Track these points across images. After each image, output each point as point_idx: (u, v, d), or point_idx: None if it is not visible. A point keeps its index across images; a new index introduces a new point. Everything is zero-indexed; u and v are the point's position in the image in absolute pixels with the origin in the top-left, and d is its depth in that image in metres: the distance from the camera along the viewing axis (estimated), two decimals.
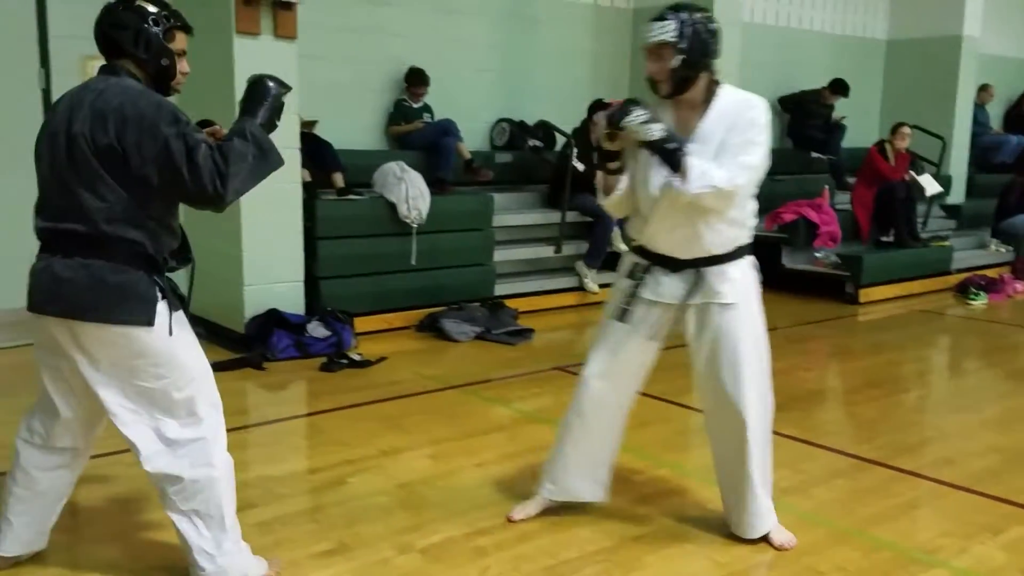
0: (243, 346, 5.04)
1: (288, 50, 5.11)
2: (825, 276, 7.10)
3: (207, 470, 2.39)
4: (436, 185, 6.21)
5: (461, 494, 3.18)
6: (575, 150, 6.69)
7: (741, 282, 2.67)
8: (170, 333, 2.31)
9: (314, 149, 5.70)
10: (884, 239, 7.33)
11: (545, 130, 7.22)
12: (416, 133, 6.58)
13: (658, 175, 2.58)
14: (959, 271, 7.81)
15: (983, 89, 10.39)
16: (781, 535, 2.80)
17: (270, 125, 2.38)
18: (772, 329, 6.31)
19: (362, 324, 5.52)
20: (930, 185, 7.63)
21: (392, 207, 5.71)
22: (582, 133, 6.87)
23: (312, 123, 5.86)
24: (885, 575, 2.63)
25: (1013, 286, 7.56)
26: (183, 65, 2.41)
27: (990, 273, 7.78)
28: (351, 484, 3.28)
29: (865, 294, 6.84)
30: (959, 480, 3.34)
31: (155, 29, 2.32)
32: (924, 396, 4.85)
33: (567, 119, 7.08)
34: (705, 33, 2.54)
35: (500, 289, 6.38)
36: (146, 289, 2.29)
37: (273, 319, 5.06)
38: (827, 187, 7.72)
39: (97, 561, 2.67)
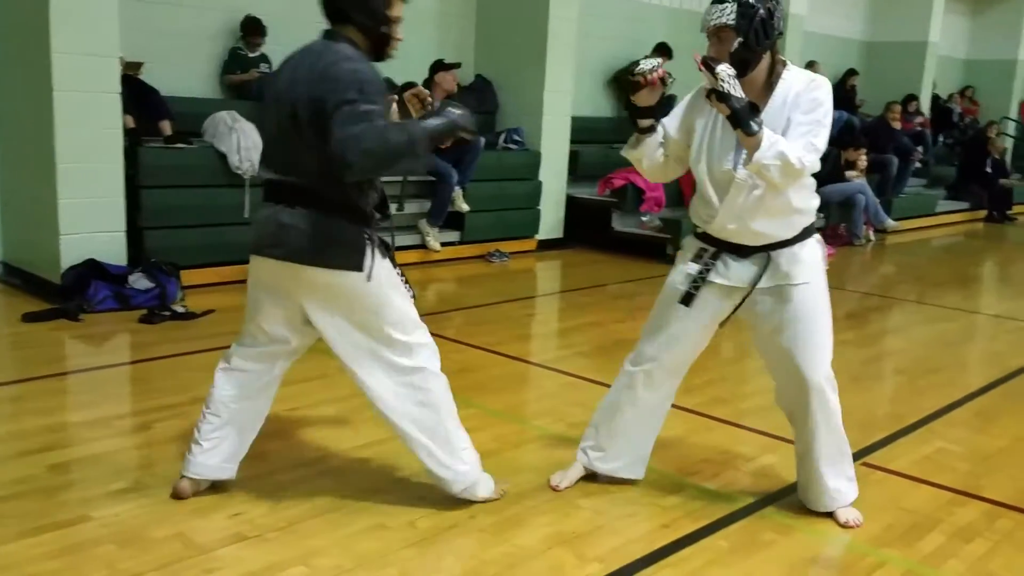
0: (60, 297, 4.91)
1: None
2: (649, 239, 7.52)
3: (426, 395, 2.66)
4: None
5: (269, 437, 3.24)
6: None
7: (809, 262, 2.68)
8: (368, 278, 2.52)
9: (139, 94, 5.54)
10: None
11: (389, 88, 7.23)
12: (254, 83, 6.48)
13: (728, 155, 2.58)
14: None
15: (810, 66, 11.10)
16: (849, 512, 2.82)
17: (433, 140, 2.50)
18: (600, 286, 6.69)
19: (193, 277, 5.46)
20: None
21: (223, 158, 5.64)
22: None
23: (137, 65, 5.68)
24: (650, 496, 2.94)
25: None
26: (398, 32, 2.57)
27: None
28: (157, 429, 3.33)
29: None
30: (727, 416, 3.72)
31: None
32: (721, 345, 5.27)
33: (411, 79, 7.12)
34: (765, 14, 2.50)
35: None
36: (356, 238, 2.52)
37: (91, 269, 4.94)
38: None
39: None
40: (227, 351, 2.81)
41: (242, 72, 6.50)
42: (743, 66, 2.52)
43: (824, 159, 8.27)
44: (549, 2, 7.54)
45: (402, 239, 6.91)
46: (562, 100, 7.85)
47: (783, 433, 3.51)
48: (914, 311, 6.38)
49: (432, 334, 5.11)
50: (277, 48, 6.64)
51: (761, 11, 2.50)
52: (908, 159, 10.64)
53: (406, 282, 2.71)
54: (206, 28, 6.47)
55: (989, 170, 11.89)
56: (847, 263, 8.26)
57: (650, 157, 2.78)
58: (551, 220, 7.89)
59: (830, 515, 2.83)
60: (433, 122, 2.48)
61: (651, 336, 2.86)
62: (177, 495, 2.74)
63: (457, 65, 7.10)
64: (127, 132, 5.29)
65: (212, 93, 6.59)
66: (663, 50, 9.00)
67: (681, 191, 8.01)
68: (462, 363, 4.39)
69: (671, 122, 2.77)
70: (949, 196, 11.94)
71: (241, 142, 5.63)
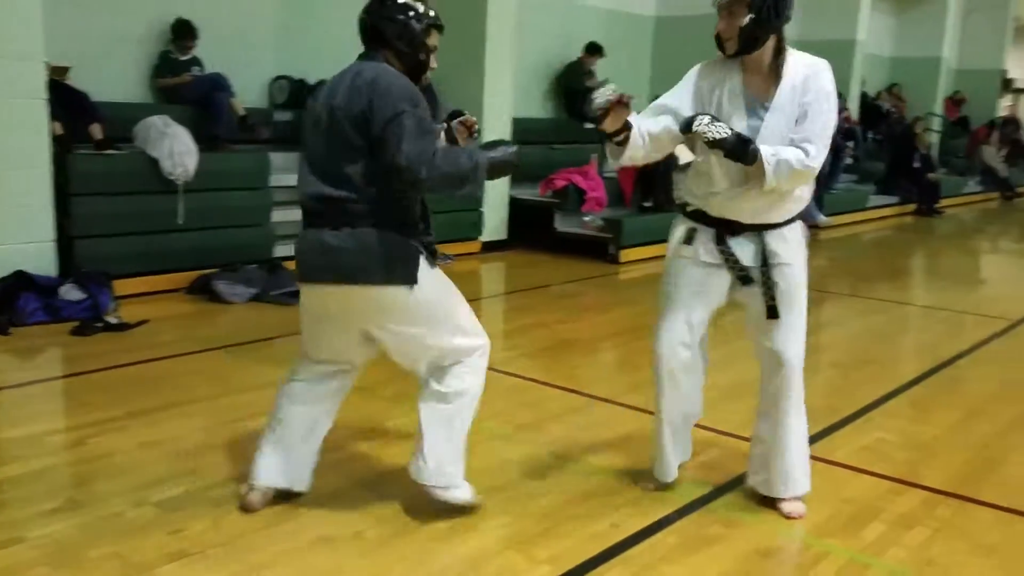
0: None
1: None
2: (592, 238, 7.56)
3: (462, 398, 2.69)
4: (210, 142, 6.05)
5: (210, 450, 3.20)
6: None
7: (795, 241, 2.76)
8: (433, 282, 2.57)
9: (67, 99, 5.37)
10: (645, 204, 7.89)
11: None
12: (185, 87, 6.34)
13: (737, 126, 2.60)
14: None
15: None
16: (794, 505, 2.86)
17: (494, 171, 2.57)
18: (544, 287, 6.72)
19: (126, 287, 5.32)
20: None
21: (155, 163, 5.50)
22: None
23: (63, 70, 5.50)
24: (599, 495, 2.95)
25: None
26: (433, 61, 2.64)
27: None
28: (91, 445, 3.22)
29: (625, 254, 7.37)
30: None
31: (418, 26, 2.56)
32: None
33: None
34: None
35: (282, 251, 6.31)
36: (408, 251, 2.52)
37: (20, 281, 4.78)
38: (595, 156, 8.19)
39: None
40: (293, 364, 2.81)
41: (173, 76, 6.35)
42: (752, 42, 2.58)
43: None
44: (487, 2, 7.53)
45: None
46: (502, 101, 7.85)
47: (725, 428, 3.58)
48: (848, 304, 6.53)
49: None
50: (209, 51, 6.51)
51: None
52: (839, 155, 10.91)
53: None
54: (135, 31, 6.32)
55: (917, 165, 12.26)
56: None
57: (633, 154, 2.76)
58: (494, 221, 7.88)
59: (773, 506, 2.87)
60: (495, 154, 2.55)
61: (670, 317, 2.83)
62: (246, 508, 2.72)
63: None
64: (56, 139, 5.12)
65: (143, 98, 6.43)
66: (594, 50, 9.12)
67: (621, 191, 8.09)
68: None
69: (678, 100, 2.75)
70: (879, 191, 12.28)
71: (174, 147, 5.50)
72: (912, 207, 12.23)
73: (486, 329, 2.78)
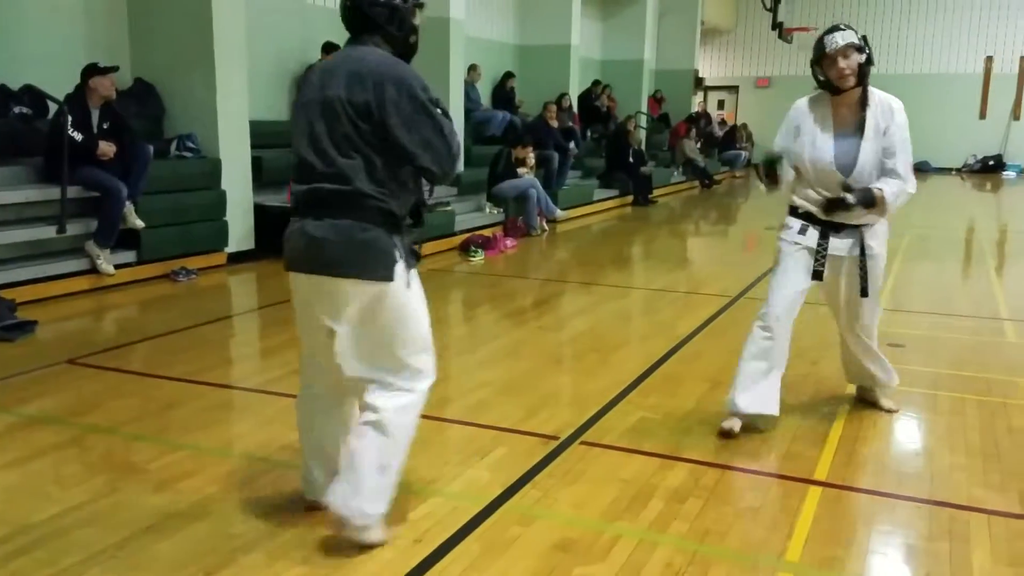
0: None
1: None
2: None
3: (406, 426, 2.64)
4: None
5: None
6: (70, 118, 6.06)
7: (883, 235, 3.64)
8: (408, 286, 2.56)
9: None
10: None
11: (33, 95, 6.42)
12: None
13: (828, 155, 3.45)
14: (461, 232, 8.79)
15: (472, 69, 11.68)
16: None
17: None
18: (286, 302, 6.43)
19: None
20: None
21: None
22: (77, 99, 6.24)
23: None
24: (397, 512, 2.85)
25: (504, 242, 8.74)
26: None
27: (486, 232, 8.89)
28: None
29: None
30: (455, 415, 3.81)
31: (405, 6, 2.55)
32: (444, 344, 5.38)
33: (59, 84, 6.37)
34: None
35: None
36: (388, 247, 2.51)
37: None
38: None
39: None
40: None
41: None
42: (863, 77, 3.39)
43: (498, 157, 9.43)
44: (211, 3, 7.14)
45: (68, 264, 6.20)
46: (237, 103, 7.49)
47: (508, 424, 3.69)
48: (591, 292, 6.96)
49: (116, 370, 4.67)
50: None
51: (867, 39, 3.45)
52: (566, 155, 11.63)
53: None
54: None
55: (631, 159, 13.39)
56: (528, 253, 8.84)
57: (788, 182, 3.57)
58: (240, 231, 7.50)
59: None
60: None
61: (777, 292, 3.63)
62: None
63: (114, 69, 6.45)
64: None
65: None
66: (331, 49, 8.96)
67: None
68: (160, 399, 4.02)
69: (786, 138, 3.57)
70: (601, 185, 13.26)
71: None
72: (629, 198, 13.34)
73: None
